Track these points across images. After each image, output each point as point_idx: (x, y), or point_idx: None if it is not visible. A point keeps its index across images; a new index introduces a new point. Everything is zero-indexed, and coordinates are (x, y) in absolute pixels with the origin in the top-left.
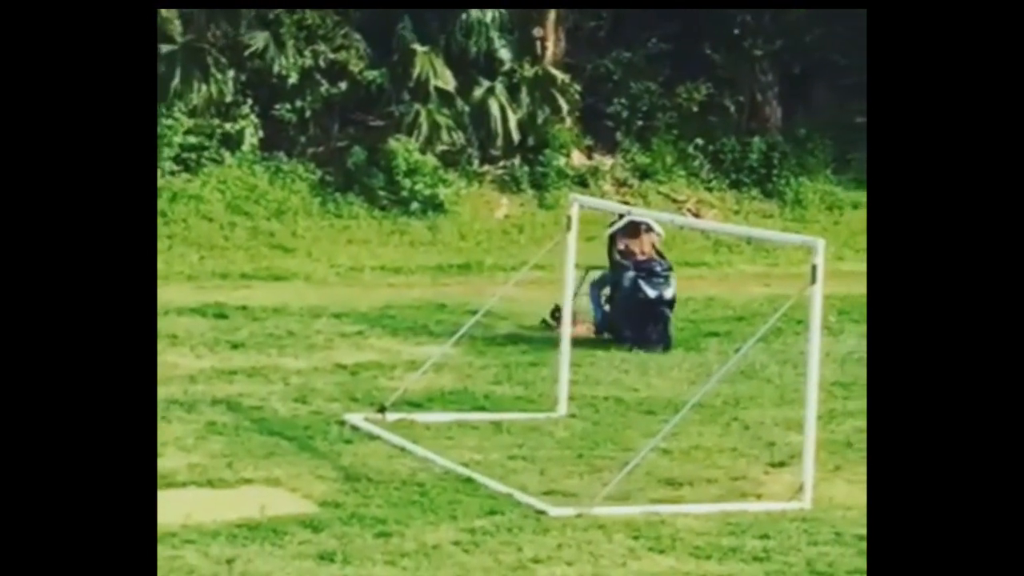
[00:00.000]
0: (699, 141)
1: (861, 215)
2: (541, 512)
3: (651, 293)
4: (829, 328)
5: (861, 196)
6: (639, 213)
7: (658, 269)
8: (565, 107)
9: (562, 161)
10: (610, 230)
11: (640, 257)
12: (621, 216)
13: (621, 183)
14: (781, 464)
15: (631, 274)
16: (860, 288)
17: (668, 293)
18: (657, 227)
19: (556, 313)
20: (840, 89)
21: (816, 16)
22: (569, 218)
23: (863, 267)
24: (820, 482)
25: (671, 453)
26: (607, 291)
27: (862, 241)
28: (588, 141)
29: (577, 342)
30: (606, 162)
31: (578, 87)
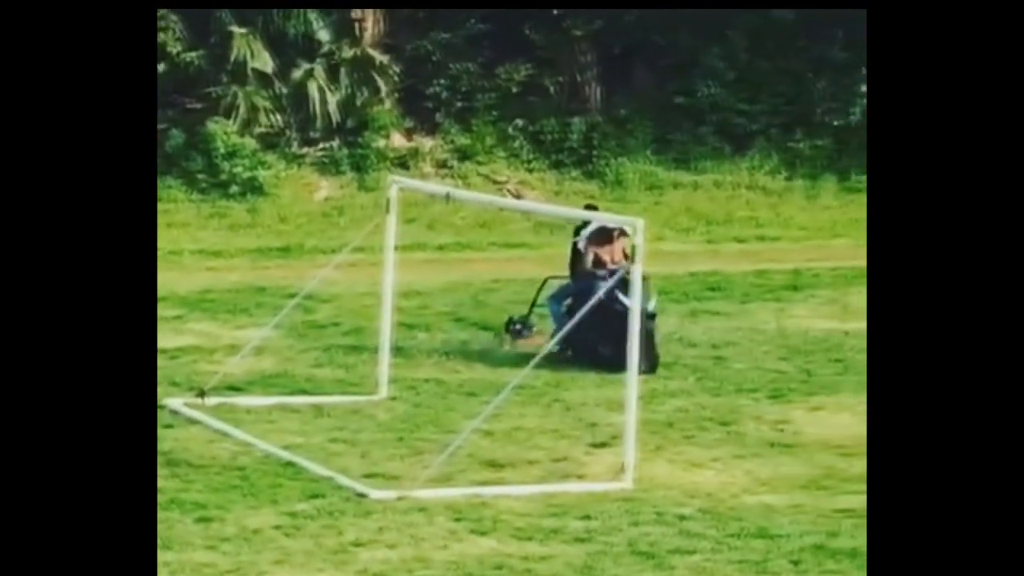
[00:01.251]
0: (519, 122)
1: (681, 195)
2: (362, 495)
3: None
4: None
5: (681, 176)
6: (458, 194)
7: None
8: (385, 88)
9: (382, 143)
10: (576, 238)
11: (612, 266)
12: (586, 223)
13: (442, 164)
14: (603, 445)
15: (605, 284)
16: (680, 268)
17: (650, 306)
18: (629, 230)
19: (511, 325)
20: (660, 69)
21: None
22: (389, 200)
23: (683, 247)
24: (642, 462)
25: (493, 435)
26: (568, 303)
27: (683, 221)
28: (408, 123)
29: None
30: (426, 143)
31: (398, 68)
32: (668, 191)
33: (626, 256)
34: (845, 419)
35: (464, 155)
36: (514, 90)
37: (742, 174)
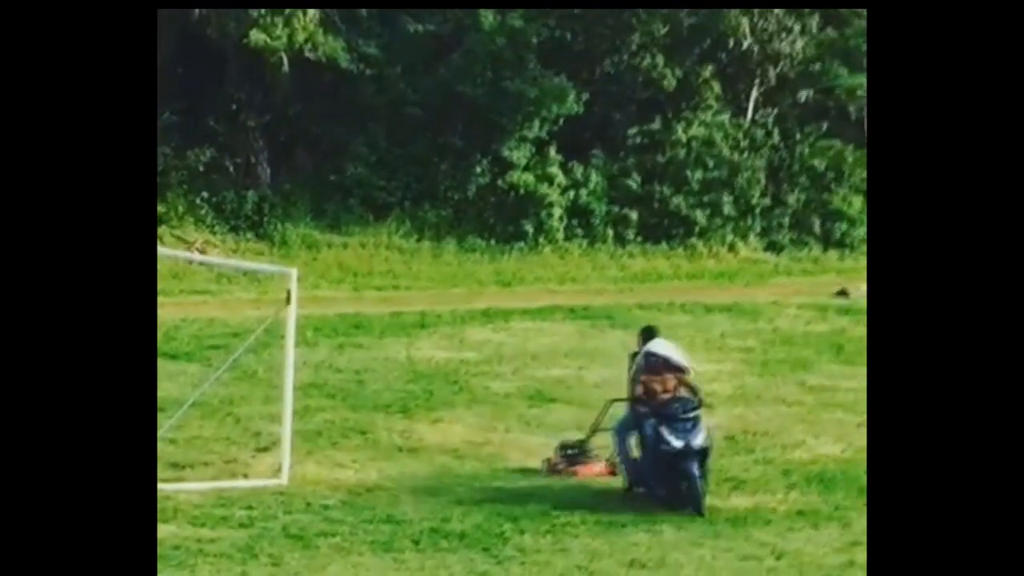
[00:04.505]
0: (205, 194)
1: (333, 253)
2: None
3: (675, 443)
4: (306, 341)
5: (334, 238)
6: (166, 253)
7: (680, 413)
8: None
9: None
10: (633, 367)
11: (663, 396)
12: (640, 346)
13: None
14: (265, 449)
15: (652, 421)
16: (331, 310)
17: (697, 441)
18: (685, 363)
19: (565, 450)
20: (316, 152)
21: (296, 95)
22: None
23: (334, 294)
24: (295, 464)
25: (176, 442)
26: (634, 439)
27: (335, 273)
28: None
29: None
30: None
31: None
32: (323, 249)
33: (684, 384)
34: (459, 429)
35: (160, 220)
36: (201, 169)
37: (382, 236)
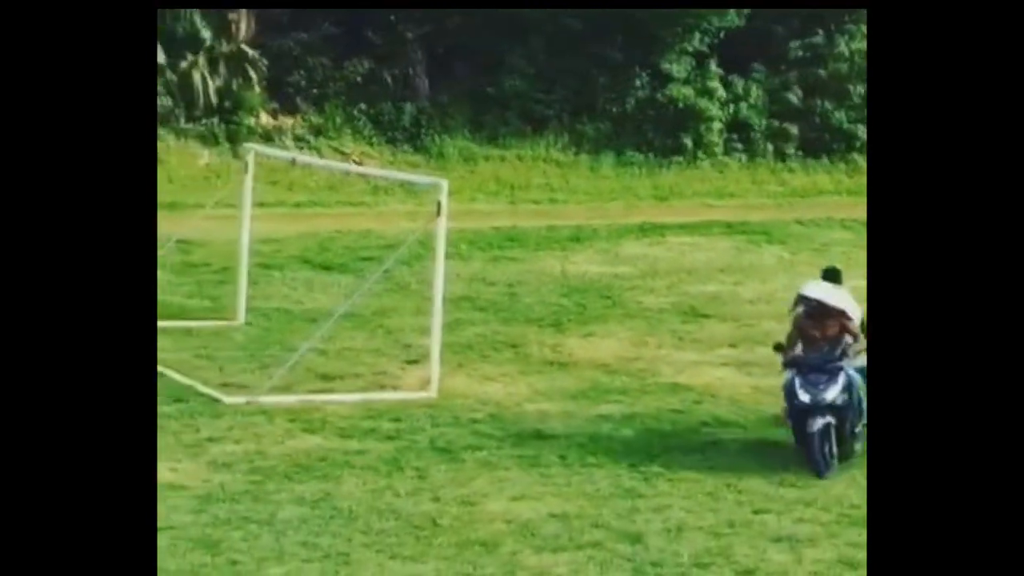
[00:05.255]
0: (362, 106)
1: (490, 166)
2: (217, 400)
3: (804, 397)
4: (460, 254)
5: (491, 151)
6: (303, 160)
7: (822, 361)
8: (255, 77)
9: (252, 121)
10: (794, 314)
11: (819, 343)
12: (832, 276)
13: (300, 139)
14: (415, 362)
15: (790, 374)
16: (487, 223)
17: (829, 395)
18: (844, 306)
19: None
20: (474, 65)
21: (455, 7)
22: (246, 163)
23: (491, 207)
24: (445, 376)
25: (326, 353)
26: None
27: (491, 186)
28: (273, 105)
29: None
30: (288, 122)
31: (266, 61)
32: (480, 162)
33: (845, 331)
34: (611, 343)
35: (318, 132)
36: (358, 80)
37: (539, 150)
